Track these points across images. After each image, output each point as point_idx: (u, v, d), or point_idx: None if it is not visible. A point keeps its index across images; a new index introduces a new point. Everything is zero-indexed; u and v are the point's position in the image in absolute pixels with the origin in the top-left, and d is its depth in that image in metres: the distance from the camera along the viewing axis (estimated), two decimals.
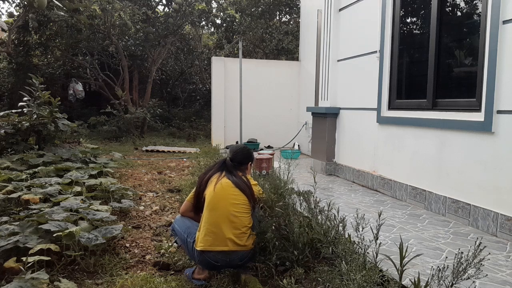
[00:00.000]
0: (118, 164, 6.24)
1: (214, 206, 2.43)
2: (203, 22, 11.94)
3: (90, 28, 10.27)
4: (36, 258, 2.35)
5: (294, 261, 2.45)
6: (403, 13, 4.31)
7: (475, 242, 1.66)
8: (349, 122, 5.24)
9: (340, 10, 5.41)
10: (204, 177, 2.61)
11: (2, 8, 38.77)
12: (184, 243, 2.57)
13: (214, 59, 9.22)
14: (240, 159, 2.69)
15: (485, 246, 1.70)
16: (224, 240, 2.38)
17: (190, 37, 13.09)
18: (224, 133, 9.15)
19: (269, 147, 9.04)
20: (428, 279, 1.73)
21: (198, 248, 2.40)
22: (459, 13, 3.68)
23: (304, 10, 9.02)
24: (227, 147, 8.56)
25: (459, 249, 1.89)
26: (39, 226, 2.69)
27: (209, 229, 2.40)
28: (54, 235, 2.61)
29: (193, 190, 2.67)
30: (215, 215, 2.41)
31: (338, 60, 5.47)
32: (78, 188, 3.85)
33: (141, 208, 4.20)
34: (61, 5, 8.26)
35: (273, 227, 2.58)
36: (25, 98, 5.96)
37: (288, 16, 13.20)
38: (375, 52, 4.57)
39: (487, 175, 3.13)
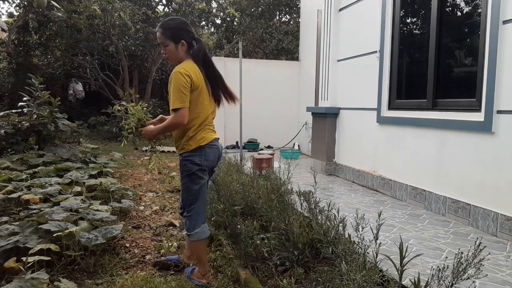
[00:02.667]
0: (118, 164, 6.24)
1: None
2: (203, 22, 11.94)
3: (90, 28, 10.27)
4: (36, 258, 2.35)
5: (294, 261, 2.45)
6: (403, 13, 4.31)
7: (475, 242, 1.66)
8: (349, 122, 5.24)
9: (340, 10, 5.41)
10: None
11: (2, 8, 38.87)
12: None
13: (214, 59, 9.19)
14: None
15: (485, 246, 1.70)
16: None
17: None
18: (224, 133, 9.14)
19: (269, 147, 9.04)
20: (428, 279, 1.73)
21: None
22: (459, 13, 3.68)
23: (304, 10, 9.01)
24: (227, 147, 8.56)
25: (459, 249, 1.89)
26: (39, 226, 2.69)
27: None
28: (54, 235, 2.61)
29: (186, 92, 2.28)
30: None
31: (338, 60, 5.47)
32: (78, 188, 3.86)
33: (141, 208, 4.20)
34: (59, 6, 8.26)
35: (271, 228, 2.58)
36: (25, 98, 5.96)
37: (288, 16, 13.21)
38: (375, 52, 4.57)
39: (487, 175, 3.13)
